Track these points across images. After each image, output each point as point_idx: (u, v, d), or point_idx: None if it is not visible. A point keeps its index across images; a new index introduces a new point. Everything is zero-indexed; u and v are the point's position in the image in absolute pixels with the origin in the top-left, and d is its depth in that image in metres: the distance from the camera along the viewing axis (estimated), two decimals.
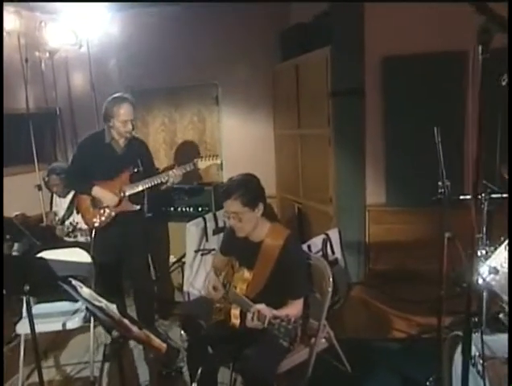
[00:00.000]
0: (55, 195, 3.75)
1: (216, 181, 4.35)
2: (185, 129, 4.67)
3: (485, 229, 2.40)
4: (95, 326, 2.68)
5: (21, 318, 2.65)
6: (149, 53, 4.34)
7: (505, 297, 1.99)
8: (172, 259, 3.63)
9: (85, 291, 1.61)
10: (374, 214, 3.92)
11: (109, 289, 2.63)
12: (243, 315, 2.01)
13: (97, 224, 2.92)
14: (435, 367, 2.21)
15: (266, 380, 1.91)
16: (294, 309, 2.01)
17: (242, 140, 4.57)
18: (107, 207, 2.90)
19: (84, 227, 3.35)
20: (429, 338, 2.84)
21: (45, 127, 4.47)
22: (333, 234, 3.23)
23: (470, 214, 1.50)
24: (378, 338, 3.00)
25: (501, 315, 2.32)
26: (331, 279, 2.19)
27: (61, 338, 3.11)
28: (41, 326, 2.41)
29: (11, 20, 3.82)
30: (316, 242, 3.14)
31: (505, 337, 1.67)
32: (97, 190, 2.88)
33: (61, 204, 3.67)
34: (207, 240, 3.29)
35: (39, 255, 2.64)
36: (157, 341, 1.51)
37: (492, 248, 2.19)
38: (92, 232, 2.95)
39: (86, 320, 2.65)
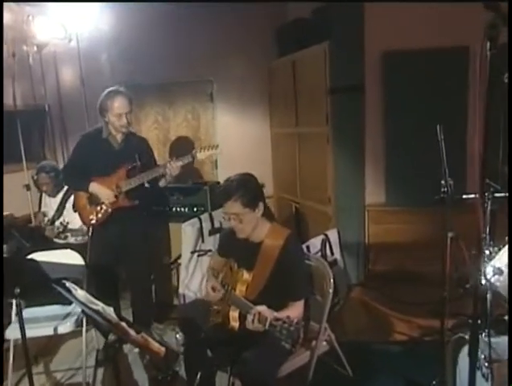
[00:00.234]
0: (44, 195, 3.73)
1: (211, 180, 4.35)
2: (179, 127, 4.66)
3: (488, 229, 2.42)
4: (87, 331, 2.67)
5: (10, 322, 2.62)
6: (141, 48, 4.31)
7: None
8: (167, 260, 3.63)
9: (80, 294, 1.61)
10: (374, 214, 3.94)
11: (103, 291, 2.62)
12: (242, 317, 2.02)
13: (93, 221, 2.91)
14: (438, 370, 2.23)
15: (266, 384, 1.91)
16: (295, 311, 2.00)
17: (238, 138, 4.57)
18: (104, 203, 2.89)
19: (75, 227, 3.35)
20: (431, 341, 2.85)
21: (33, 124, 4.43)
22: (332, 234, 3.25)
23: (472, 213, 1.51)
24: (379, 340, 3.01)
25: (506, 317, 2.34)
26: (332, 280, 2.20)
27: (52, 344, 3.09)
28: (31, 331, 2.39)
29: None
30: (315, 243, 3.15)
31: None
32: (94, 186, 2.88)
33: (51, 204, 3.65)
34: (203, 241, 3.29)
35: (30, 257, 2.62)
36: (156, 345, 1.50)
37: (496, 249, 2.20)
38: (89, 231, 2.94)
39: (78, 324, 2.64)
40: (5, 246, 3.36)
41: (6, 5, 3.84)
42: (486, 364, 1.74)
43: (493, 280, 2.01)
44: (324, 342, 2.31)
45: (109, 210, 2.90)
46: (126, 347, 2.95)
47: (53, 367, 2.93)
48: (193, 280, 3.28)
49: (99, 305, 1.52)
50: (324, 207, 3.93)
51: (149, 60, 4.33)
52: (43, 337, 2.71)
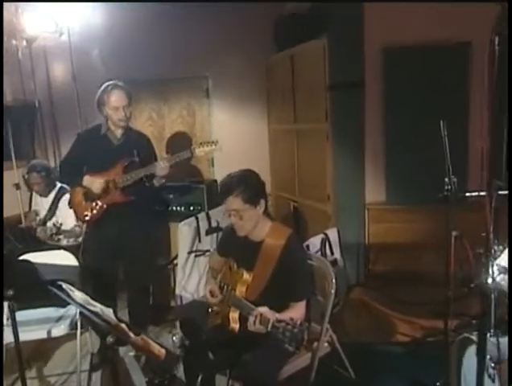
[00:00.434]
0: (35, 194, 3.71)
1: (208, 178, 4.34)
2: (174, 124, 4.64)
3: (492, 227, 2.43)
4: (81, 333, 2.65)
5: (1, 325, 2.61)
6: (136, 43, 4.28)
7: None
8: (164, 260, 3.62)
9: (78, 295, 1.59)
10: (374, 212, 3.95)
11: (100, 291, 2.61)
12: (242, 319, 2.02)
13: (88, 217, 2.90)
14: (442, 371, 2.24)
15: None
16: (297, 312, 2.00)
17: (235, 135, 4.55)
18: (99, 199, 2.87)
19: (69, 228, 3.32)
20: (435, 342, 2.87)
21: (23, 121, 4.40)
22: (332, 233, 3.26)
23: (475, 212, 1.52)
24: (381, 341, 3.02)
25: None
26: (333, 280, 2.20)
27: (44, 347, 3.07)
28: (24, 335, 2.36)
29: None
30: (315, 242, 3.16)
31: None
32: (87, 179, 2.87)
33: (42, 204, 3.62)
34: (200, 241, 3.28)
35: (22, 257, 2.60)
36: (156, 347, 1.50)
37: (500, 247, 2.22)
38: (82, 229, 2.92)
39: (72, 327, 2.62)
40: None
41: None
42: (493, 365, 1.75)
43: (498, 279, 2.02)
44: (326, 344, 2.31)
45: (105, 206, 2.88)
46: (122, 350, 2.94)
47: (46, 372, 2.91)
48: (190, 281, 3.27)
49: (97, 307, 1.51)
50: (323, 205, 3.93)
51: (143, 55, 4.30)
52: (33, 341, 2.69)
